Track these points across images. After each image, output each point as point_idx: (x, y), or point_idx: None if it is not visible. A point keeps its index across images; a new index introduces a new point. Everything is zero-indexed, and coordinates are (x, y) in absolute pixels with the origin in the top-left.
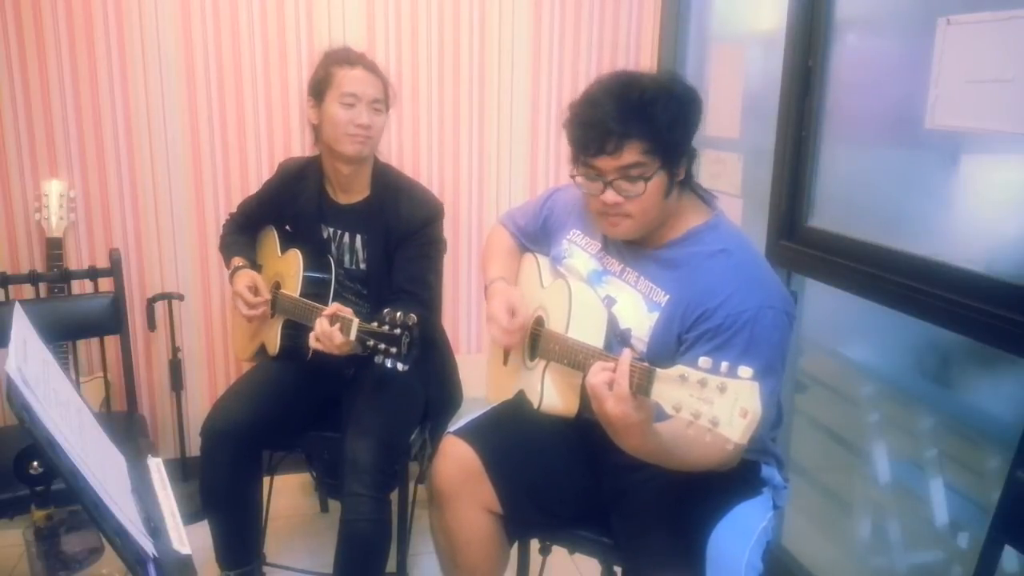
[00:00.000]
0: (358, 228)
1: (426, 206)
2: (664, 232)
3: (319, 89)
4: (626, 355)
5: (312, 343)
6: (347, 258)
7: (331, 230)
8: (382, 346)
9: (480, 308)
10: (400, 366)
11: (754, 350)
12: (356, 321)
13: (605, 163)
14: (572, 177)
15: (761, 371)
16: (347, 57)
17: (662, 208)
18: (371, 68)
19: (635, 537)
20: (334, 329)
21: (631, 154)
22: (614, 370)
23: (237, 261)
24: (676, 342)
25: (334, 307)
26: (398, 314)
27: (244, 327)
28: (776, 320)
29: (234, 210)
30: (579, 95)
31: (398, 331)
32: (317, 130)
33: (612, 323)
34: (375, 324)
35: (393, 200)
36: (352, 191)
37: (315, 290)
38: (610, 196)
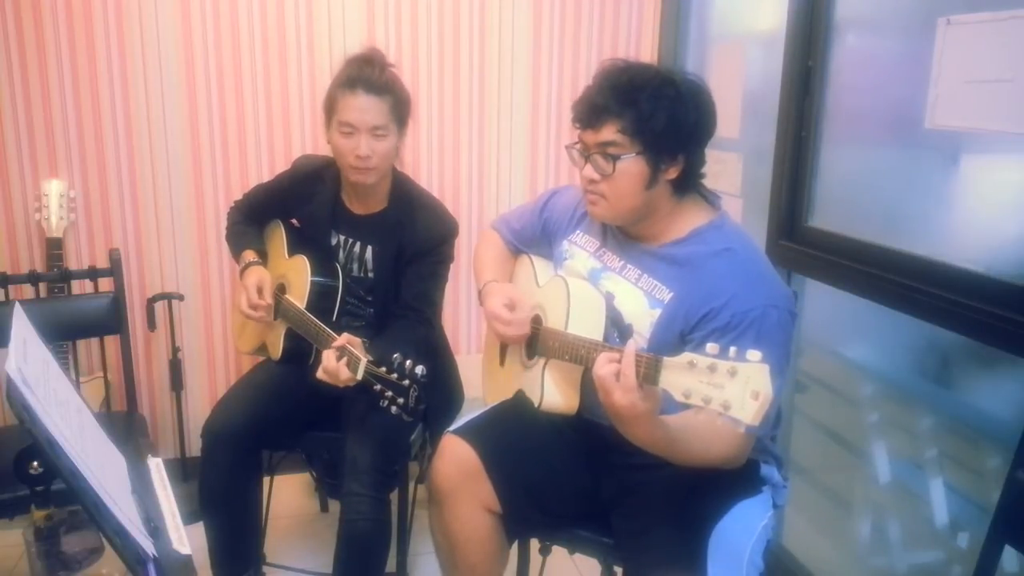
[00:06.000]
0: (370, 239)
1: (442, 225)
2: (667, 231)
3: (327, 110)
4: (631, 345)
5: (320, 375)
6: (355, 267)
7: (341, 237)
8: (388, 393)
9: (479, 308)
10: (405, 417)
11: (760, 350)
12: (364, 361)
13: (588, 136)
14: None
15: None
16: (351, 78)
17: (643, 199)
18: (374, 88)
19: (637, 536)
20: (341, 365)
21: (608, 131)
22: (620, 361)
23: (249, 256)
24: (678, 339)
25: (344, 338)
26: (408, 362)
27: (244, 320)
28: (780, 320)
29: (239, 197)
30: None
31: (406, 383)
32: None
33: (612, 316)
34: (383, 369)
35: (409, 216)
36: (369, 203)
37: (321, 301)
38: (588, 171)
